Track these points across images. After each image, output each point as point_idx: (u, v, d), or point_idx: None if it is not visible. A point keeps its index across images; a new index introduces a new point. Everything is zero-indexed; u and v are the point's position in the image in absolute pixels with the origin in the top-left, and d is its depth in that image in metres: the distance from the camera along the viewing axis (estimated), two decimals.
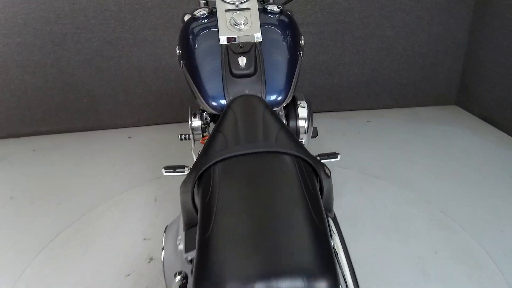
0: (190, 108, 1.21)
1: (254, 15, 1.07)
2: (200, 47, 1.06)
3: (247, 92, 0.97)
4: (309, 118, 1.15)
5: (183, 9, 2.37)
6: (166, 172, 1.32)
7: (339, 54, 2.64)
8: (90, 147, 2.42)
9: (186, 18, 1.36)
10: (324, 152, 1.33)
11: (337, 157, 1.35)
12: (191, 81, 1.05)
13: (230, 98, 0.97)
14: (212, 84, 1.00)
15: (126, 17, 2.36)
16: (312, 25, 2.51)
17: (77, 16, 2.33)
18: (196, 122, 1.18)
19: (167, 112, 2.68)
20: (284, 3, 1.39)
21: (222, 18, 1.07)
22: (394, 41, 2.63)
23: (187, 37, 1.11)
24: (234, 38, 1.04)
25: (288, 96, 1.02)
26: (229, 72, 0.98)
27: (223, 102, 0.98)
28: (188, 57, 1.07)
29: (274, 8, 1.14)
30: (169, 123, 2.72)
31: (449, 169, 2.00)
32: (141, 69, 2.52)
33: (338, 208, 1.68)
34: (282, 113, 1.12)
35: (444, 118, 2.66)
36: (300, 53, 1.12)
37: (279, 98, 1.00)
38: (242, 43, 1.03)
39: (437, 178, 1.93)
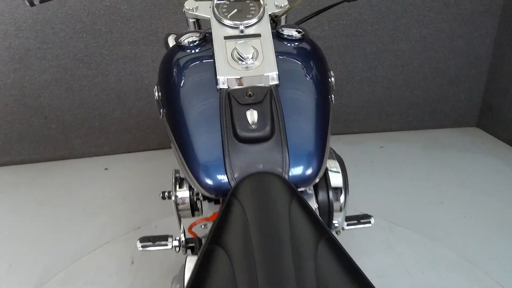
0: (173, 172, 0.86)
1: (267, 45, 0.73)
2: (189, 91, 0.72)
3: (261, 167, 0.63)
4: (345, 187, 0.81)
5: (168, 21, 2.02)
6: (142, 246, 0.97)
7: (348, 72, 2.32)
8: (58, 181, 2.05)
9: (171, 41, 1.01)
10: (352, 215, 1.01)
11: (370, 222, 1.02)
12: (175, 143, 0.71)
13: (235, 176, 0.62)
14: (206, 152, 0.65)
15: (101, 30, 2.00)
16: (318, 39, 2.18)
17: (42, 29, 1.96)
18: (183, 193, 0.82)
19: (151, 137, 2.32)
20: (300, 22, 1.06)
21: (221, 50, 0.72)
22: (409, 56, 2.31)
23: (169, 74, 0.76)
24: (240, 80, 0.69)
25: (321, 168, 0.67)
26: (233, 133, 0.64)
27: (224, 181, 0.63)
28: (171, 105, 0.73)
29: (292, 32, 0.80)
30: (153, 149, 2.36)
31: (488, 212, 1.68)
32: (119, 90, 2.16)
33: (365, 272, 1.34)
34: (310, 191, 0.77)
35: (467, 143, 2.35)
36: (331, 97, 0.79)
37: (309, 172, 0.65)
38: (252, 87, 0.68)
39: (475, 225, 1.60)
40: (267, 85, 0.70)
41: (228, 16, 0.77)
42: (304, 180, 0.65)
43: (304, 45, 0.81)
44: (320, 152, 0.67)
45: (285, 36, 0.81)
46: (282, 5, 0.92)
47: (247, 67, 0.70)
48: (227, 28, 0.76)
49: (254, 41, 0.74)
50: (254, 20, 0.76)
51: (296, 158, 0.64)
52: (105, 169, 2.17)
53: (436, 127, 2.54)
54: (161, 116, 0.78)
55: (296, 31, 0.81)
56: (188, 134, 0.68)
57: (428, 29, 2.24)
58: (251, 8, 0.79)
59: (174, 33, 0.99)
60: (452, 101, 2.47)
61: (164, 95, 0.76)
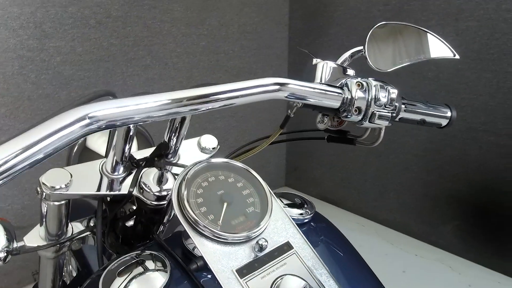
0: None
1: (315, 266, 0.38)
2: None
3: None
4: None
5: None
6: None
7: None
8: None
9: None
10: None
11: None
12: None
13: None
14: None
15: None
16: None
17: None
18: None
19: None
20: (235, 154, 0.70)
21: None
22: (225, 133, 2.22)
23: None
24: None
25: None
26: None
27: None
28: None
29: (298, 210, 0.50)
30: None
31: None
32: None
33: None
34: None
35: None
36: None
37: None
38: None
39: None
40: None
41: (221, 220, 0.35)
42: None
43: (323, 228, 0.49)
44: None
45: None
46: (212, 148, 0.58)
47: None
48: (227, 248, 0.34)
49: (292, 264, 0.36)
50: (267, 217, 0.38)
51: None
52: None
53: None
54: None
55: (301, 207, 0.49)
56: None
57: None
58: (238, 184, 0.40)
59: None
60: (265, 167, 2.53)
61: None
